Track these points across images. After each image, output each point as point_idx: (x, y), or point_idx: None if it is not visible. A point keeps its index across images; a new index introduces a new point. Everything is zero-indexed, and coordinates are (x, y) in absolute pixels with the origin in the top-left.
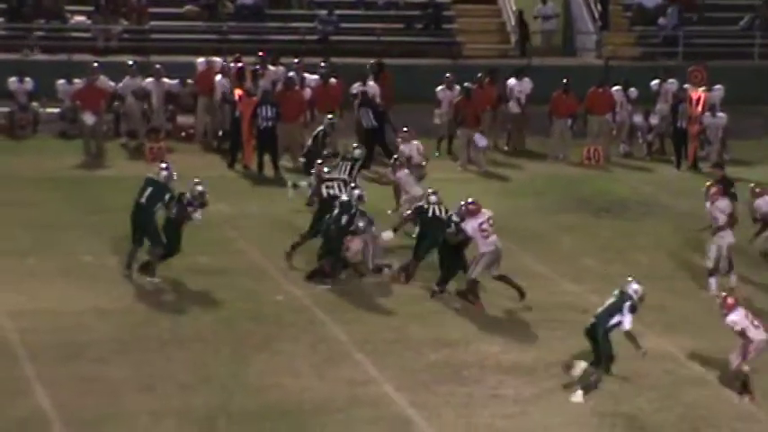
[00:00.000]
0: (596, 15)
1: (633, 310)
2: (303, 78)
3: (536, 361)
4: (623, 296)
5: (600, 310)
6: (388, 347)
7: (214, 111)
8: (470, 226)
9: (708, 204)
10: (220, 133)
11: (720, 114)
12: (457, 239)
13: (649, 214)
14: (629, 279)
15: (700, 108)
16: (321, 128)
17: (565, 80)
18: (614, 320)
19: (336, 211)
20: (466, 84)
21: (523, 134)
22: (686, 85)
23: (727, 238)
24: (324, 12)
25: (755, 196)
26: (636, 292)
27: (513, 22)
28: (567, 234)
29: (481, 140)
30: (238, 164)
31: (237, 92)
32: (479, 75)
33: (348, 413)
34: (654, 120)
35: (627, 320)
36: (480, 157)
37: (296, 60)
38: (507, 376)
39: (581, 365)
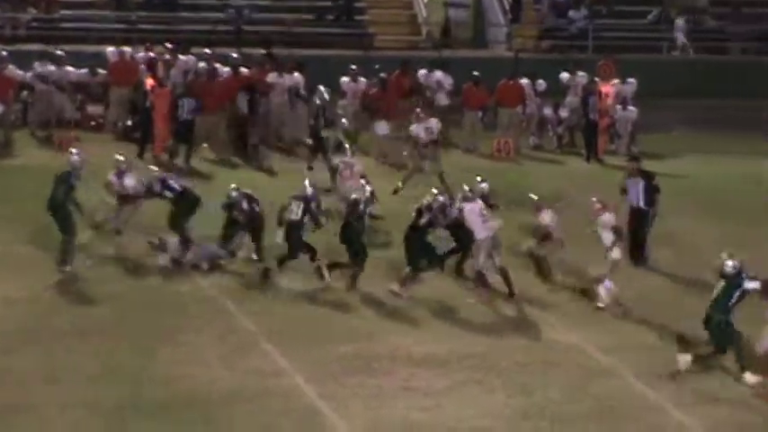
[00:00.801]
0: (507, 8)
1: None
2: (215, 69)
3: (449, 353)
4: (731, 280)
5: (712, 300)
6: (297, 339)
7: (125, 102)
8: (470, 209)
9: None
10: (129, 123)
11: (631, 108)
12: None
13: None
14: (723, 256)
15: (610, 101)
16: (318, 102)
17: (475, 72)
18: (735, 299)
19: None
20: (381, 75)
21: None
22: (596, 78)
23: (615, 254)
24: (235, 2)
25: (537, 210)
26: (735, 267)
27: (424, 14)
28: None
29: (381, 128)
30: (148, 153)
31: (149, 82)
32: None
33: (257, 404)
34: (563, 112)
35: (751, 285)
36: (390, 147)
37: (207, 51)
38: (419, 369)
39: (685, 359)
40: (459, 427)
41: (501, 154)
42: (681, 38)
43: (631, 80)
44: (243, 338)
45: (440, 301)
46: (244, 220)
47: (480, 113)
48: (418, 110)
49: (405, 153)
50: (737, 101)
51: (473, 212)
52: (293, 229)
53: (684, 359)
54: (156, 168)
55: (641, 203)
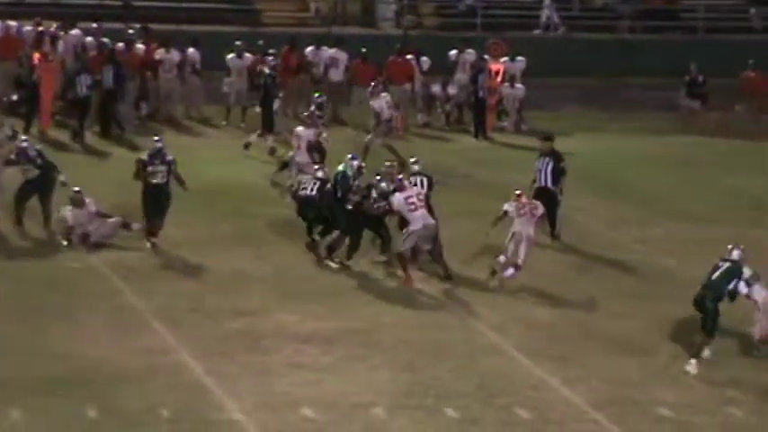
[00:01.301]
0: None
1: (755, 279)
2: (103, 43)
3: (335, 330)
4: (735, 265)
5: (708, 281)
6: (185, 316)
7: (10, 76)
8: (398, 199)
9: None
10: (15, 97)
11: (519, 86)
12: (378, 212)
13: (449, 184)
14: (730, 248)
15: (499, 80)
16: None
17: (363, 49)
18: (732, 287)
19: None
20: (271, 51)
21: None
22: (485, 56)
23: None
24: None
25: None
26: (740, 256)
27: None
28: None
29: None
30: (34, 128)
31: (36, 56)
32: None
33: (146, 381)
34: (452, 90)
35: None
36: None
37: (94, 25)
38: (305, 345)
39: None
40: (341, 402)
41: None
42: (547, 15)
43: (520, 58)
44: (132, 316)
45: (327, 278)
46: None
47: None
48: (374, 84)
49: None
50: (626, 78)
51: (401, 202)
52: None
53: (693, 364)
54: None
55: (548, 183)
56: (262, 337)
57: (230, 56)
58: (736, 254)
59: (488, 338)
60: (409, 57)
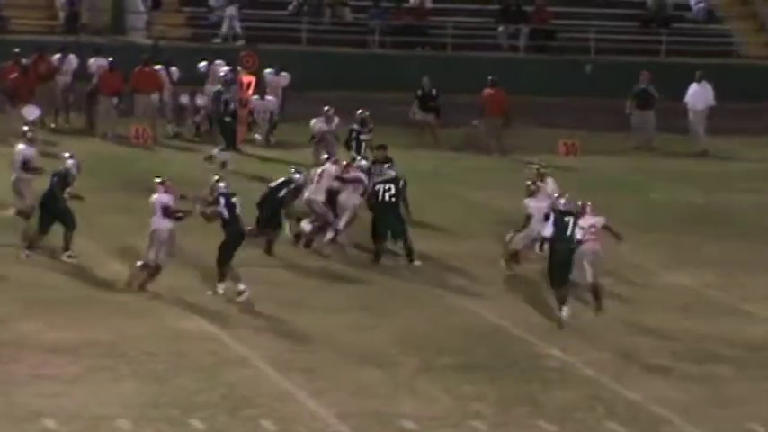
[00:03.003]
0: None
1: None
2: None
3: (79, 340)
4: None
5: (565, 235)
6: None
7: None
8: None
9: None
10: None
11: (270, 98)
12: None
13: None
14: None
15: (250, 92)
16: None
17: (111, 58)
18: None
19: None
20: (24, 60)
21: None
22: (238, 68)
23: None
24: None
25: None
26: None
27: None
28: (117, 214)
29: (32, 113)
30: None
31: None
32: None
33: None
34: (201, 101)
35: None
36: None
37: None
38: (49, 355)
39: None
40: (85, 413)
41: (139, 141)
42: (229, 25)
43: (285, 74)
44: None
45: (70, 288)
46: None
47: (115, 100)
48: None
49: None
50: (377, 93)
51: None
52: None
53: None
54: None
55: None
56: (3, 347)
57: None
58: (569, 204)
59: (235, 350)
60: (158, 67)
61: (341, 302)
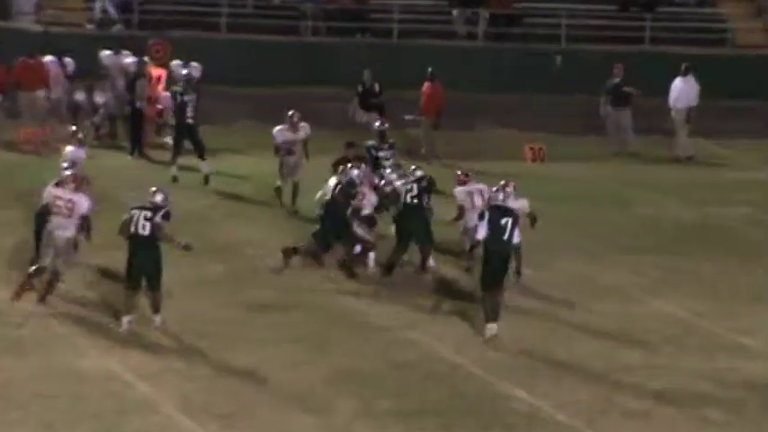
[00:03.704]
0: None
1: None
2: None
3: None
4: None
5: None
6: None
7: None
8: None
9: None
10: None
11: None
12: None
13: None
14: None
15: (161, 87)
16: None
17: None
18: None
19: None
20: None
21: None
22: (146, 59)
23: None
24: None
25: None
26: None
27: None
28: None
29: None
30: None
31: None
32: None
33: None
34: (100, 98)
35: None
36: None
37: None
38: None
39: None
40: None
41: (29, 146)
42: (102, 8)
43: (195, 64)
44: None
45: None
46: None
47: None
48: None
49: None
50: (309, 88)
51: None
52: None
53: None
54: None
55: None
56: None
57: None
58: (506, 197)
59: (140, 392)
60: (48, 58)
61: (269, 334)
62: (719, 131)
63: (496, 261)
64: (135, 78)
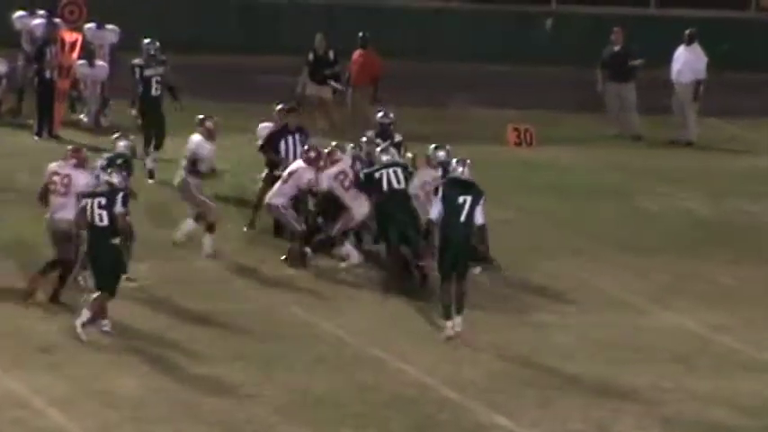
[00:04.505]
0: None
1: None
2: None
3: None
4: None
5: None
6: None
7: None
8: None
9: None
10: None
11: (100, 63)
12: None
13: (7, 201)
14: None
15: (75, 55)
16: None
17: None
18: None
19: None
20: None
21: None
22: (57, 21)
23: None
24: None
25: None
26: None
27: None
28: None
29: None
30: None
31: None
32: None
33: None
34: (2, 66)
35: None
36: None
37: None
38: None
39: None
40: None
41: None
42: None
43: (112, 27)
44: None
45: None
46: None
47: None
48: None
49: None
50: (246, 57)
51: None
52: None
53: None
54: None
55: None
56: None
57: None
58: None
59: (53, 420)
60: None
61: (208, 351)
62: (738, 110)
63: (456, 248)
64: (44, 44)
